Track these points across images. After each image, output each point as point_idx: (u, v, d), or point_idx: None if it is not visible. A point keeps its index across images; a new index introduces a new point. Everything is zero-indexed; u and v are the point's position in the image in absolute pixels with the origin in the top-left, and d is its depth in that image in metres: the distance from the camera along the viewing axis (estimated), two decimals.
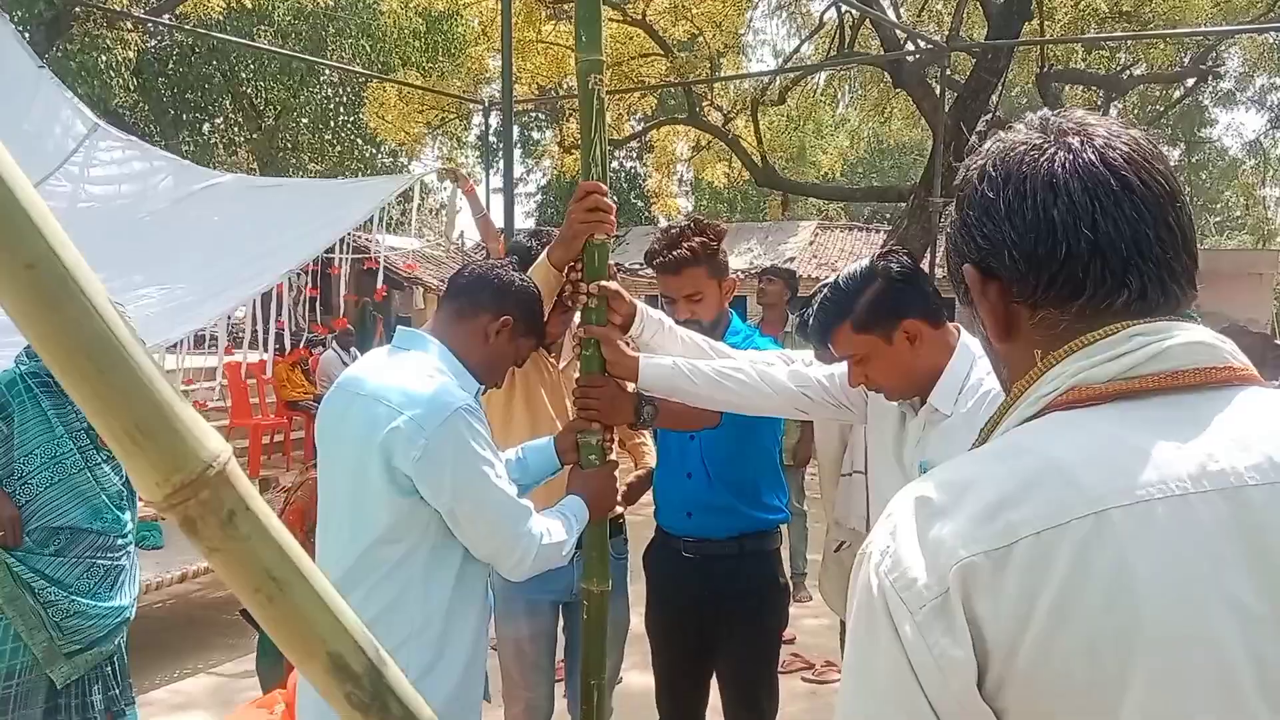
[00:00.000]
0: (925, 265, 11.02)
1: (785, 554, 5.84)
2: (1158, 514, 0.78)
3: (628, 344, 2.36)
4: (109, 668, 3.35)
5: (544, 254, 2.36)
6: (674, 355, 2.38)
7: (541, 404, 2.84)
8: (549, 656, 2.97)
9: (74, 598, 3.19)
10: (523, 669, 2.93)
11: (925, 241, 10.92)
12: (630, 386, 2.37)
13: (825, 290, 2.20)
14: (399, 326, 2.28)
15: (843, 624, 2.62)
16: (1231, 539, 0.79)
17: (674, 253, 2.71)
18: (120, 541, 3.33)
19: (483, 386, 2.18)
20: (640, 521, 3.06)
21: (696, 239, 2.71)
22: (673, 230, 2.80)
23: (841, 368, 2.24)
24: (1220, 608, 0.77)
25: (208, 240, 6.10)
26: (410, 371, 2.01)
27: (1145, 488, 0.79)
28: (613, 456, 2.40)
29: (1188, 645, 0.76)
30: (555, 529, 2.11)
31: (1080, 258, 0.87)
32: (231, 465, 0.62)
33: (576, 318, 2.54)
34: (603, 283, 2.31)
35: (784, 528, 5.64)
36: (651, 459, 3.10)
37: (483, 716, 2.21)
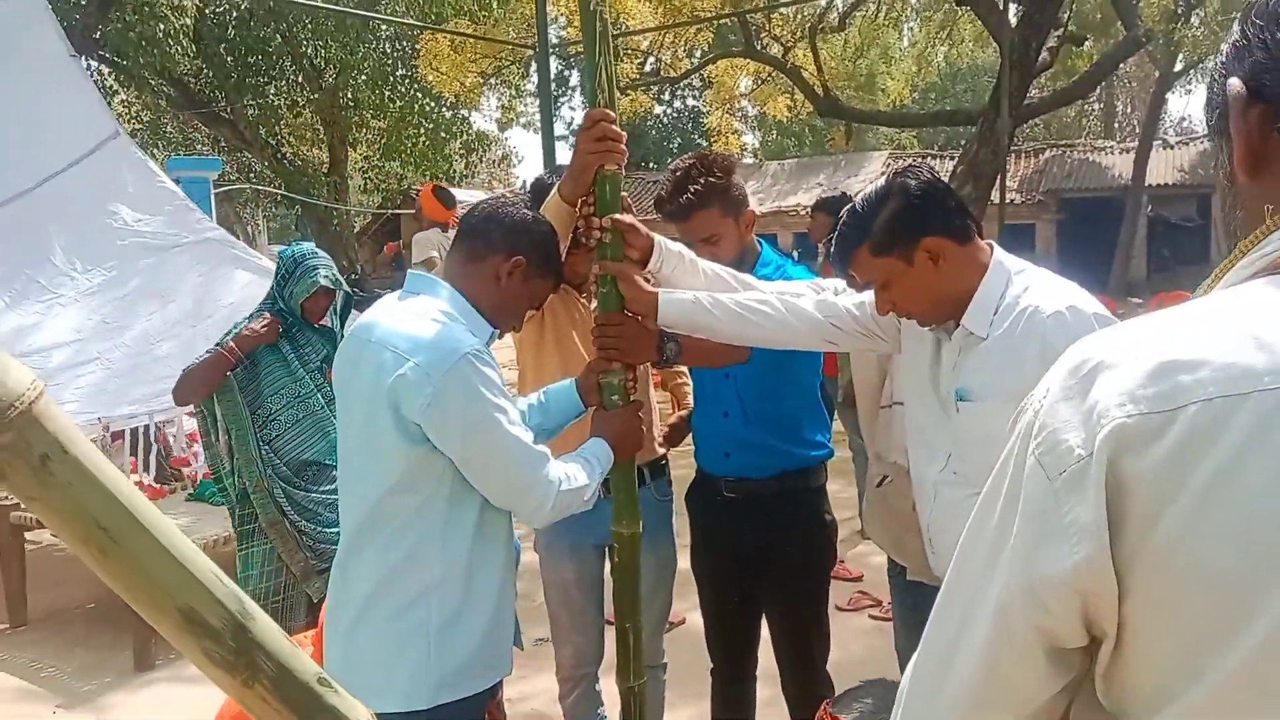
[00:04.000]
0: (995, 190, 10.77)
1: (852, 492, 5.78)
2: None
3: (646, 279, 2.28)
4: None
5: (554, 189, 2.28)
6: (696, 289, 2.30)
7: (573, 346, 2.77)
8: (597, 600, 2.93)
9: (321, 528, 3.51)
10: (570, 613, 2.90)
11: (995, 166, 10.58)
12: (652, 323, 2.29)
13: (844, 214, 2.09)
14: (410, 271, 2.22)
15: (890, 562, 2.53)
16: None
17: (680, 198, 2.60)
18: None
19: (497, 331, 2.12)
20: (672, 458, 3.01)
21: (702, 179, 2.58)
22: (677, 172, 2.64)
23: (870, 295, 2.13)
24: None
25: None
26: (417, 316, 1.95)
27: None
28: (637, 396, 2.33)
29: None
30: (575, 473, 2.05)
31: None
32: (41, 404, 0.56)
33: None
34: (616, 216, 2.22)
35: (848, 464, 5.58)
36: (692, 399, 3.03)
37: (525, 659, 2.18)
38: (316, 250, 3.63)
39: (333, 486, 3.45)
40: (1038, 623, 0.76)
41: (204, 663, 0.62)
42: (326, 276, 3.54)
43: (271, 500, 3.48)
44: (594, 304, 2.80)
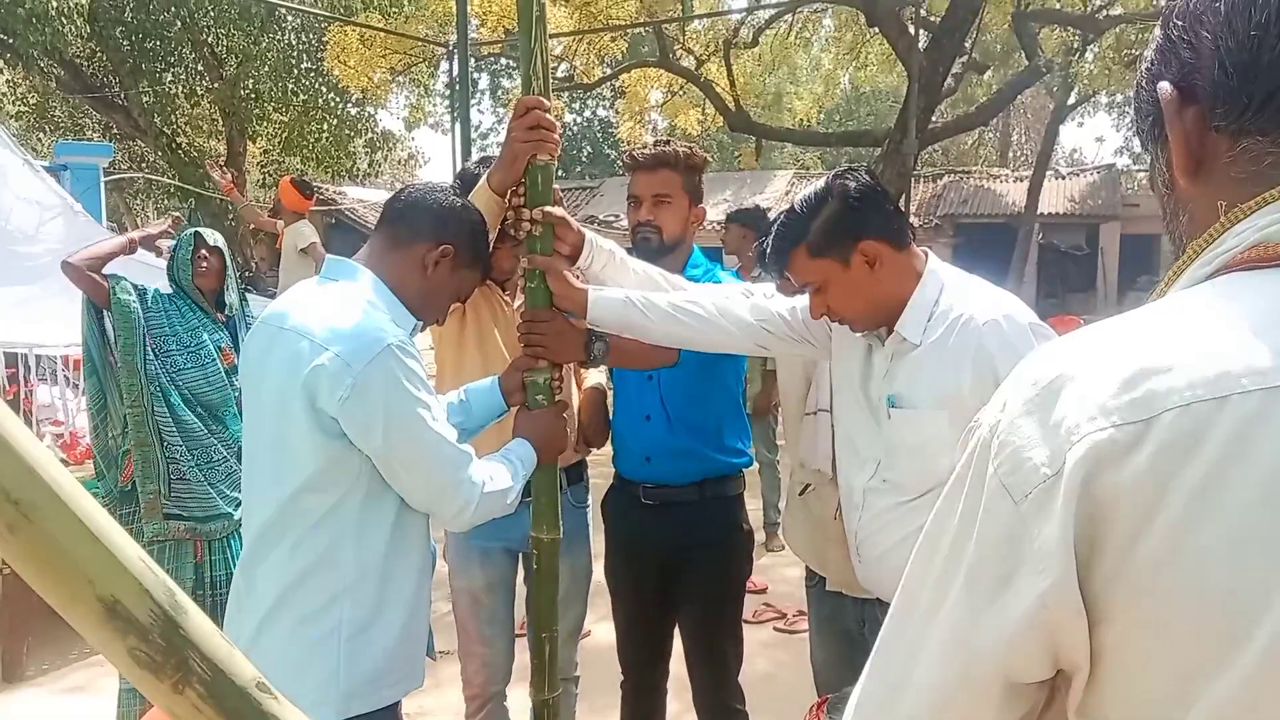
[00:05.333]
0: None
1: (757, 503, 5.78)
2: None
3: (576, 275, 2.21)
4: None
5: (483, 178, 2.19)
6: (626, 287, 2.24)
7: (495, 344, 2.67)
8: (507, 608, 2.82)
9: (191, 466, 3.35)
10: (479, 622, 2.77)
11: (900, 187, 10.80)
12: (581, 321, 2.22)
13: (780, 215, 2.05)
14: (328, 256, 2.10)
15: (808, 571, 2.49)
16: None
17: (657, 148, 2.64)
18: (237, 450, 3.40)
19: (420, 323, 2.02)
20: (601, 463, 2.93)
21: (683, 152, 2.64)
22: (658, 140, 2.73)
23: (804, 300, 2.10)
24: None
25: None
26: (337, 304, 1.84)
27: None
28: (561, 397, 2.26)
29: None
30: (499, 475, 1.96)
31: None
32: None
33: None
34: (547, 208, 2.14)
35: (753, 475, 5.58)
36: (594, 379, 2.92)
37: (427, 674, 2.07)
38: (184, 219, 3.58)
39: (217, 440, 3.40)
40: (1000, 658, 0.71)
41: (128, 664, 0.53)
42: (206, 232, 3.52)
43: (148, 417, 3.32)
44: (518, 300, 2.72)
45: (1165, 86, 0.78)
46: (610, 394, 2.90)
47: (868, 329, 2.06)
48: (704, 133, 19.96)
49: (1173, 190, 0.82)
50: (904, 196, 10.89)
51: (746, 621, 4.69)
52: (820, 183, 2.04)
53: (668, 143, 2.68)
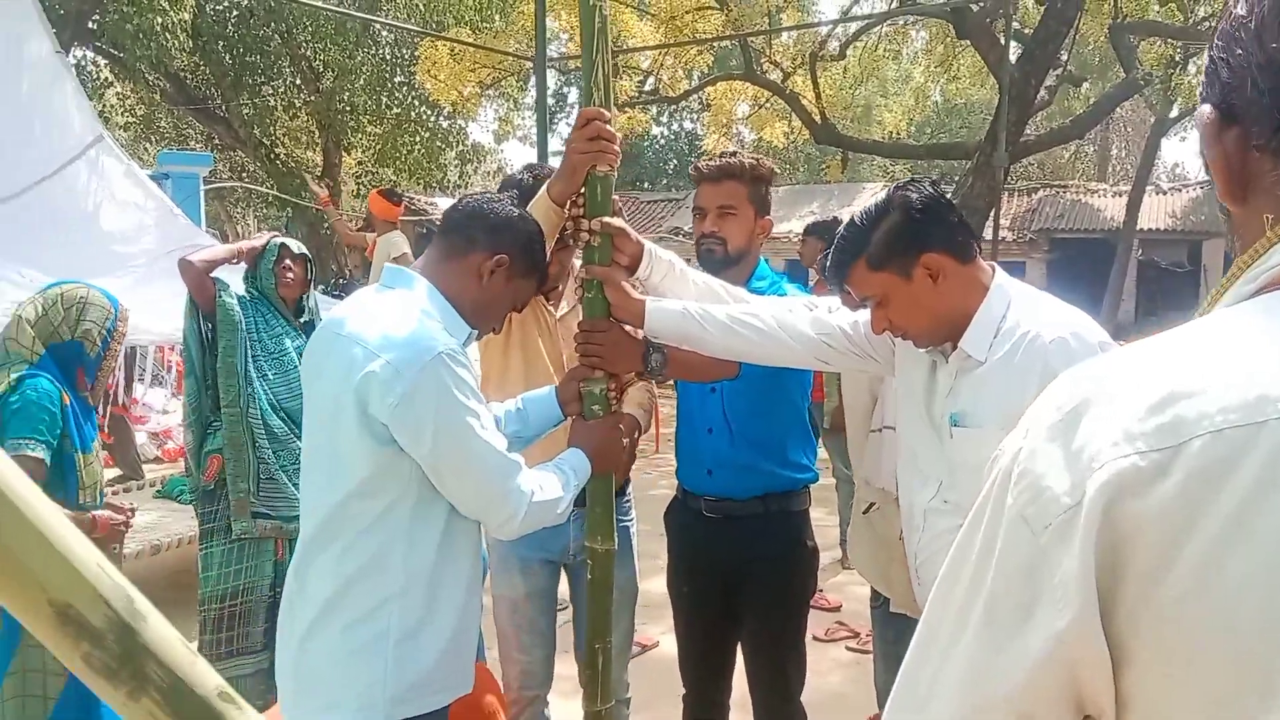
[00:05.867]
0: (988, 226, 10.75)
1: (835, 519, 5.68)
2: None
3: (634, 286, 2.19)
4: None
5: (543, 189, 2.19)
6: (685, 299, 2.21)
7: (538, 354, 2.67)
8: (547, 618, 2.82)
9: (279, 467, 3.43)
10: (518, 630, 2.78)
11: (989, 200, 10.55)
12: (639, 333, 2.21)
13: (842, 227, 2.01)
14: (387, 265, 2.13)
15: (873, 592, 2.43)
16: None
17: (723, 161, 2.62)
18: None
19: (475, 332, 2.02)
20: (646, 480, 2.90)
21: (749, 162, 2.62)
22: (723, 152, 2.72)
23: (866, 315, 2.05)
24: None
25: None
26: (391, 311, 1.85)
27: None
28: (619, 408, 2.24)
29: None
30: (550, 485, 1.95)
31: None
32: None
33: (577, 261, 2.36)
34: (606, 219, 2.13)
35: (831, 492, 5.50)
36: (643, 400, 2.85)
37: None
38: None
39: (298, 445, 3.42)
40: (1017, 698, 0.67)
41: (83, 670, 0.52)
42: (291, 242, 3.58)
43: (242, 416, 3.40)
44: (560, 310, 2.71)
45: (1205, 109, 0.76)
46: (650, 419, 2.87)
47: (931, 344, 2.00)
48: (791, 145, 19.85)
49: (1229, 217, 0.78)
50: (994, 210, 10.65)
51: (819, 639, 4.67)
52: (882, 194, 1.99)
53: (734, 154, 2.66)
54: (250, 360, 3.44)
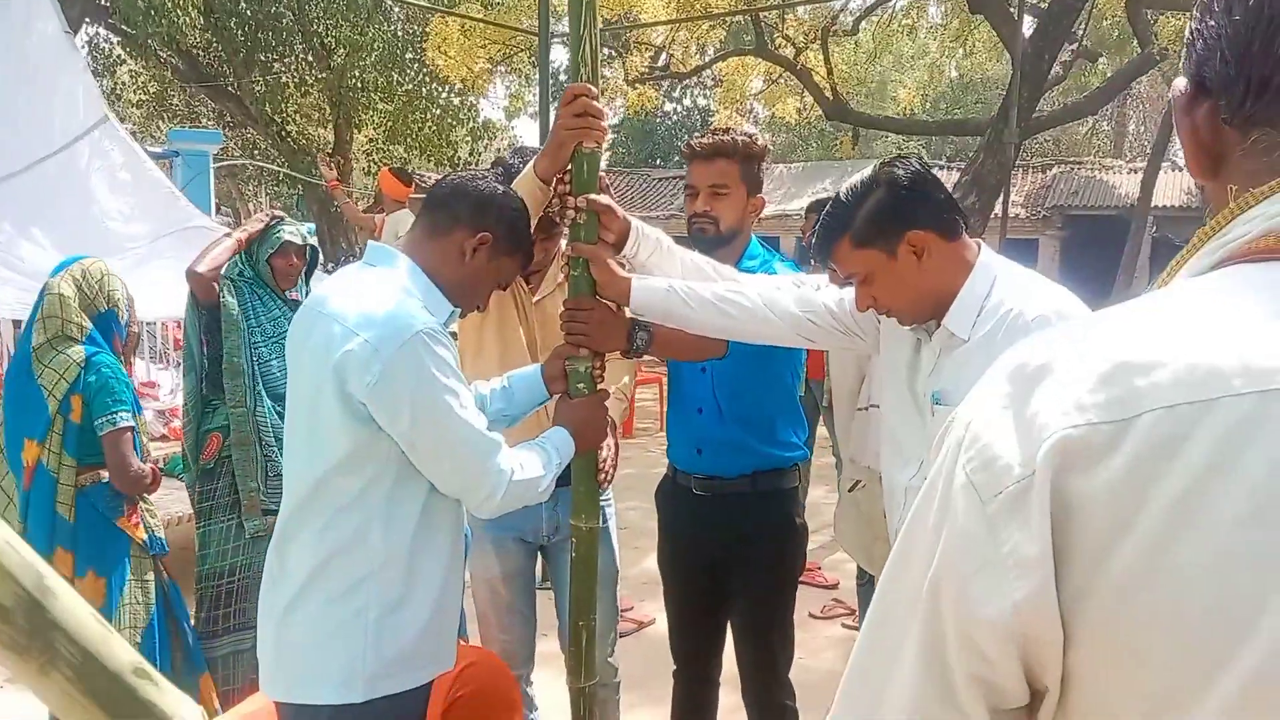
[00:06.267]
0: (999, 202, 10.67)
1: (834, 499, 5.68)
2: None
3: (620, 264, 2.19)
4: None
5: (529, 165, 2.19)
6: (672, 277, 2.21)
7: (515, 335, 2.66)
8: (525, 598, 2.83)
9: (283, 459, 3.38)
10: (497, 611, 2.79)
11: (1000, 177, 10.46)
12: (624, 310, 2.21)
13: (829, 204, 2.00)
14: (370, 242, 2.13)
15: (859, 570, 2.44)
16: None
17: (714, 137, 2.60)
18: None
19: (458, 310, 2.02)
20: (651, 458, 2.91)
21: (741, 139, 2.59)
22: (716, 129, 2.69)
23: (851, 292, 2.05)
24: None
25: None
26: (372, 290, 1.86)
27: None
28: (606, 386, 2.24)
29: None
30: (531, 463, 1.96)
31: None
32: None
33: (563, 244, 2.36)
34: (592, 196, 2.13)
35: (829, 471, 5.50)
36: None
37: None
38: (284, 215, 3.59)
39: None
40: (975, 671, 0.66)
41: None
42: (293, 234, 3.49)
43: (249, 417, 3.38)
44: (539, 294, 2.71)
45: (1180, 82, 0.75)
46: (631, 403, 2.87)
47: (915, 322, 2.00)
48: (804, 121, 19.74)
49: (1203, 191, 0.78)
50: (1005, 187, 10.56)
51: (815, 617, 4.69)
52: (868, 171, 1.98)
53: (726, 131, 2.64)
54: (255, 361, 3.42)
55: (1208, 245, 0.71)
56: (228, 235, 3.48)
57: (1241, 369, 0.60)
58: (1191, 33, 0.75)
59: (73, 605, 0.56)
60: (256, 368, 3.42)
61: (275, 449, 3.38)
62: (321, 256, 3.75)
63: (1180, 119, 0.75)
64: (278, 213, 3.64)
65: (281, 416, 3.39)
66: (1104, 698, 0.63)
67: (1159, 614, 0.59)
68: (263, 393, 3.42)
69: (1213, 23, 0.72)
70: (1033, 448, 0.63)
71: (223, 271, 3.43)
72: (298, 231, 3.53)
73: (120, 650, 0.58)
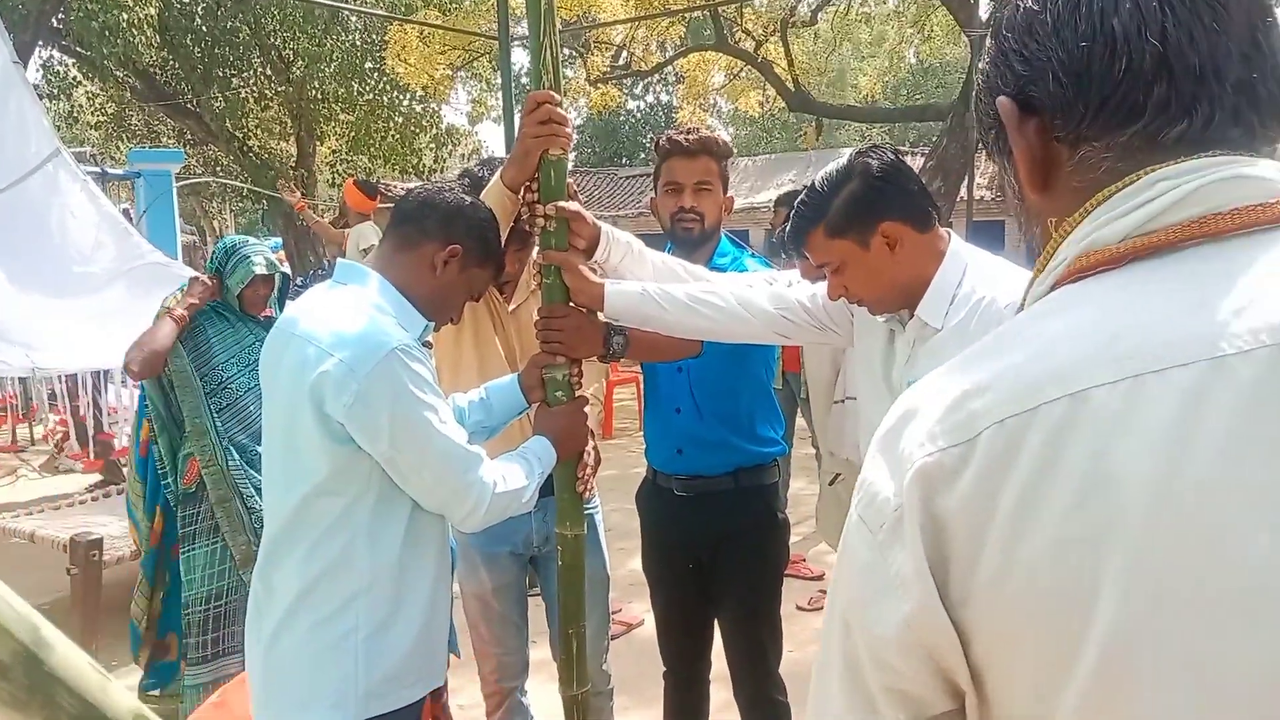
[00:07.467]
0: (964, 185, 10.75)
1: (814, 490, 5.70)
2: (1151, 391, 0.64)
3: (592, 269, 2.20)
4: None
5: (496, 175, 2.19)
6: (644, 280, 2.22)
7: (492, 345, 2.66)
8: (518, 609, 2.81)
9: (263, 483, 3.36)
10: (490, 624, 2.77)
11: (964, 161, 10.57)
12: (599, 316, 2.21)
13: (803, 193, 2.01)
14: (339, 260, 2.12)
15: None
16: (1253, 414, 0.63)
17: (698, 134, 2.61)
18: None
19: (431, 324, 2.02)
20: (632, 458, 2.91)
21: (716, 139, 2.62)
22: (687, 127, 2.69)
23: (824, 287, 2.06)
24: (1234, 498, 0.62)
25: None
26: (343, 308, 1.85)
27: (1138, 359, 0.66)
28: (582, 392, 2.25)
29: (1180, 547, 0.62)
30: (513, 474, 1.96)
31: (1142, 75, 0.73)
32: None
33: (535, 252, 2.36)
34: (561, 203, 2.13)
35: (809, 463, 5.52)
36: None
37: (461, 667, 2.09)
38: (249, 239, 3.55)
39: None
40: (888, 684, 0.72)
41: None
42: (261, 264, 3.43)
43: (224, 475, 3.34)
44: (513, 303, 2.70)
45: (1005, 101, 0.79)
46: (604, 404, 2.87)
47: (887, 312, 2.01)
48: (766, 114, 19.80)
49: (1024, 202, 0.83)
50: (969, 170, 10.66)
51: (801, 609, 4.71)
52: (842, 160, 1.99)
53: (700, 130, 2.66)
54: (217, 392, 3.37)
55: (1042, 275, 0.78)
56: (169, 313, 3.37)
57: (1054, 377, 0.67)
58: (1005, 52, 0.80)
59: (70, 656, 0.56)
60: (218, 423, 3.36)
61: (258, 500, 3.29)
62: (289, 268, 3.71)
63: (1014, 137, 0.79)
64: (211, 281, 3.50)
65: (256, 458, 3.33)
66: (1006, 689, 0.69)
67: (1019, 605, 0.66)
68: (231, 448, 3.37)
69: (1035, 45, 0.77)
70: (900, 480, 0.70)
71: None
72: (264, 260, 3.46)
73: (120, 699, 0.58)
